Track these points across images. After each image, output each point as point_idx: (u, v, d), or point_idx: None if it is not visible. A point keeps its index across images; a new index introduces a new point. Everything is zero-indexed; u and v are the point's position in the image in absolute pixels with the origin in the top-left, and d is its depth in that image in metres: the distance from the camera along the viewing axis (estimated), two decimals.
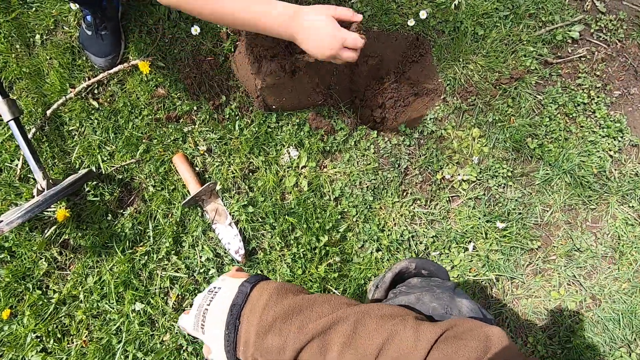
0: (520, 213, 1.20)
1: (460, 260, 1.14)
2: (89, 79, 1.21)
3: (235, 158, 1.19)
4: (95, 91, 1.21)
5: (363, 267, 1.13)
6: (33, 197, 1.07)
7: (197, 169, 1.18)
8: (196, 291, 1.13)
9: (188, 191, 1.15)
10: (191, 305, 0.68)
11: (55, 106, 1.18)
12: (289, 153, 1.20)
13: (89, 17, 1.15)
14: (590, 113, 1.28)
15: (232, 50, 1.23)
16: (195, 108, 1.21)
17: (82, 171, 1.12)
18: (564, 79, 1.30)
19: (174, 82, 1.21)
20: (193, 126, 1.21)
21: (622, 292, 1.16)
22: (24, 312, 1.08)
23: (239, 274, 0.59)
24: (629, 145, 1.26)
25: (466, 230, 1.16)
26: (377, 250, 1.15)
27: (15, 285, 1.10)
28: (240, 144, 1.19)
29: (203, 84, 1.22)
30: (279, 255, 1.14)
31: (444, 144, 1.23)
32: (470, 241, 1.16)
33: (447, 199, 1.19)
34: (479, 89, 1.25)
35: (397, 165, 1.21)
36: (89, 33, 1.17)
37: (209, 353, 0.54)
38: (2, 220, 0.94)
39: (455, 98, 1.25)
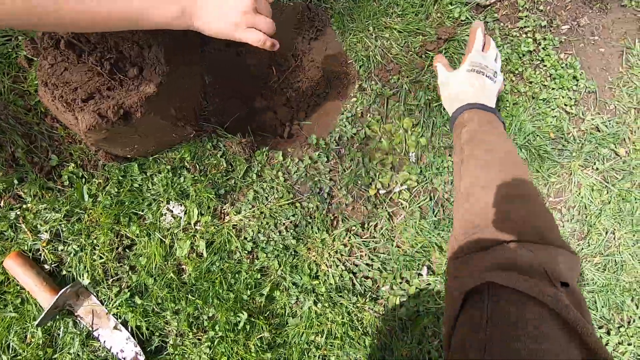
0: None
1: (416, 288, 0.94)
2: None
3: (99, 236, 0.86)
4: None
5: (301, 328, 0.91)
6: None
7: (47, 266, 0.85)
8: None
9: (39, 301, 0.83)
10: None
11: None
12: (170, 211, 0.88)
13: None
14: (538, 62, 1.02)
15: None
16: (15, 182, 0.84)
17: None
18: (502, 25, 1.02)
19: None
20: (23, 207, 0.84)
21: (594, 269, 1.03)
22: None
23: None
24: (585, 94, 1.04)
25: (416, 251, 0.94)
26: (315, 303, 0.92)
27: None
28: (100, 216, 0.85)
29: (17, 142, 0.83)
30: (195, 341, 0.89)
31: (370, 147, 0.95)
32: (423, 264, 0.94)
33: (387, 215, 0.95)
34: (402, 64, 0.95)
35: (317, 191, 0.93)
36: None
37: (442, 64, 0.83)
38: None
39: (373, 82, 0.95)
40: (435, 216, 0.96)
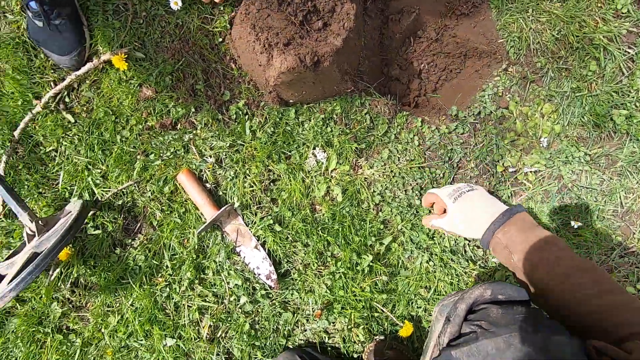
0: (596, 201, 1.00)
1: None
2: (55, 84, 0.96)
3: (252, 167, 0.98)
4: (67, 99, 0.97)
5: (412, 279, 1.00)
6: (24, 243, 0.91)
7: (207, 185, 0.99)
8: (229, 319, 1.02)
9: (202, 213, 0.98)
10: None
11: (22, 125, 0.95)
12: (315, 156, 0.99)
13: (32, 3, 0.86)
14: None
15: (229, 27, 0.94)
16: (193, 110, 0.97)
17: (73, 205, 0.94)
18: None
19: (160, 78, 0.95)
20: (195, 132, 0.98)
21: None
22: (50, 359, 1.00)
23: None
24: None
25: None
26: (428, 261, 1.00)
27: (33, 331, 1.00)
28: (255, 150, 0.98)
29: (197, 76, 0.96)
30: (316, 273, 1.01)
31: (504, 126, 0.99)
32: None
33: (509, 194, 1.00)
34: (551, 50, 0.96)
35: (447, 159, 0.99)
36: (39, 24, 0.89)
37: (432, 220, 0.83)
38: None
39: (519, 65, 0.98)
40: (557, 202, 0.99)
